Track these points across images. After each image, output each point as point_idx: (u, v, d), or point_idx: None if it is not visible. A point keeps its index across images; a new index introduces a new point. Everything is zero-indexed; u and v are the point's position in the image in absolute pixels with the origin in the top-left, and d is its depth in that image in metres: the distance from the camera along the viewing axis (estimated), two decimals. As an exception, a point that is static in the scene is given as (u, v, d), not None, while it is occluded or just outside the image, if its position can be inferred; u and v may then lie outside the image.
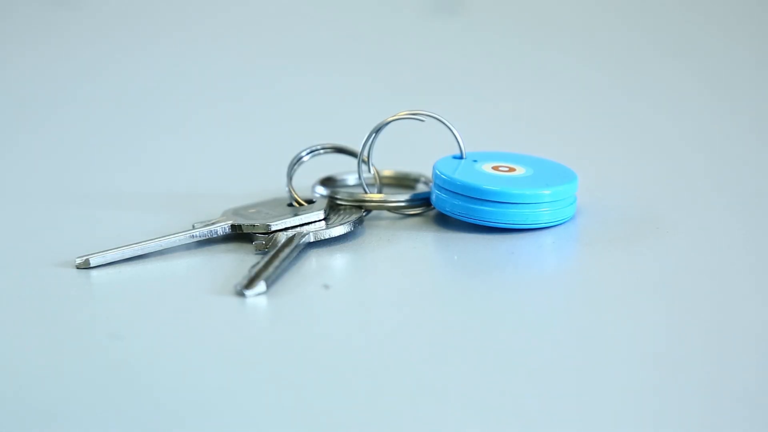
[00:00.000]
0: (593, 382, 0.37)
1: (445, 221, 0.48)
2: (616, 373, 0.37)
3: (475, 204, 0.46)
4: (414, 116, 0.48)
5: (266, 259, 0.44)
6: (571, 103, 0.69)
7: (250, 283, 0.42)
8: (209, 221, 0.47)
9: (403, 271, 0.45)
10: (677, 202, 0.51)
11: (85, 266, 0.44)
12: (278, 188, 0.50)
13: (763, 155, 0.59)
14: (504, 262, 0.45)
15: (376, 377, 0.37)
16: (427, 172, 0.50)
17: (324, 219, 0.47)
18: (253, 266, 0.43)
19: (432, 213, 0.49)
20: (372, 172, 0.49)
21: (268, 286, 0.42)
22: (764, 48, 0.81)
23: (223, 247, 0.46)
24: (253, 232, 0.46)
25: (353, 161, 0.49)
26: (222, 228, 0.46)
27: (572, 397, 0.36)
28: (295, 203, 0.48)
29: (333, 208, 0.48)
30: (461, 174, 0.47)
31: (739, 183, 0.54)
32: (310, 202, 0.48)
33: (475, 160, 0.49)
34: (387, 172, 0.52)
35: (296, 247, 0.45)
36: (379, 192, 0.49)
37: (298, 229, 0.46)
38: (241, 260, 0.45)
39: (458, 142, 0.49)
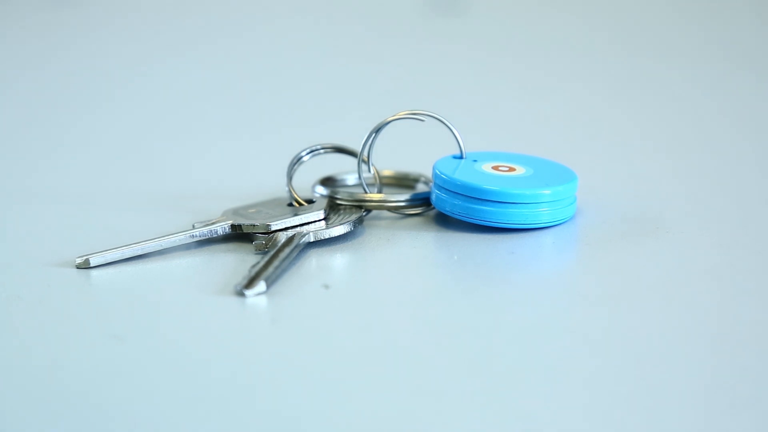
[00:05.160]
0: (593, 382, 0.37)
1: (445, 221, 0.48)
2: (616, 372, 0.37)
3: (475, 204, 0.46)
4: (414, 116, 0.48)
5: (266, 259, 0.44)
6: (571, 103, 0.69)
7: (250, 283, 0.42)
8: (209, 221, 0.47)
9: (403, 271, 0.45)
10: (677, 202, 0.51)
11: (85, 266, 0.44)
12: (278, 188, 0.50)
13: (762, 155, 0.59)
14: (504, 262, 0.45)
15: (376, 377, 0.37)
16: (427, 172, 0.50)
17: (324, 219, 0.47)
18: (253, 266, 0.43)
19: (432, 213, 0.49)
20: (372, 172, 0.49)
21: (268, 286, 0.42)
22: (764, 47, 0.81)
23: (223, 247, 0.46)
24: (253, 232, 0.46)
25: (353, 161, 0.49)
26: (222, 228, 0.46)
27: (572, 396, 0.36)
28: (295, 203, 0.48)
29: (333, 208, 0.48)
30: (461, 174, 0.47)
31: (739, 183, 0.54)
32: (310, 202, 0.48)
33: (475, 160, 0.49)
34: (387, 172, 0.52)
35: (296, 247, 0.45)
36: (379, 192, 0.49)
37: (298, 229, 0.46)
38: (241, 260, 0.45)
39: (458, 142, 0.49)
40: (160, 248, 0.45)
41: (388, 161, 0.51)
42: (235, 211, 0.48)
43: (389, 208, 0.49)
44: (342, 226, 0.47)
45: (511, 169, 0.48)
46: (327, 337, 0.40)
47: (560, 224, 0.48)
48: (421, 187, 0.51)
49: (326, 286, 0.43)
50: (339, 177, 0.51)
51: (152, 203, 0.51)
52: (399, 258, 0.46)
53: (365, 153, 0.49)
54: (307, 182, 0.50)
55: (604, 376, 0.37)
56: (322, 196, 0.49)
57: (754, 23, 0.86)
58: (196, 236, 0.46)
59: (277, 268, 0.43)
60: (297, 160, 0.49)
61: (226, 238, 0.47)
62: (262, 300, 0.42)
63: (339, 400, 0.36)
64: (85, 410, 0.36)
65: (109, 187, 0.54)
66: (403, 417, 0.35)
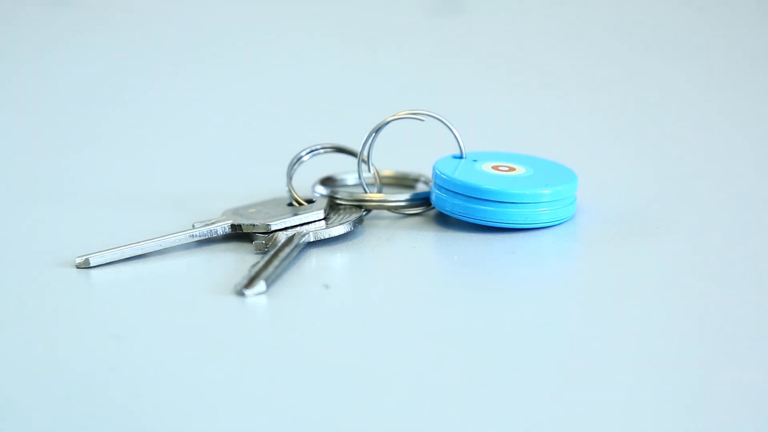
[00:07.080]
0: (593, 382, 0.37)
1: (445, 221, 0.48)
2: (616, 372, 0.37)
3: (475, 204, 0.46)
4: (414, 116, 0.48)
5: (266, 258, 0.44)
6: (571, 103, 0.69)
7: (250, 282, 0.42)
8: (209, 221, 0.47)
9: (403, 271, 0.45)
10: (677, 202, 0.51)
11: (85, 266, 0.44)
12: (278, 188, 0.50)
13: (762, 155, 0.59)
14: (504, 262, 0.45)
15: (376, 377, 0.37)
16: (427, 172, 0.50)
17: (324, 219, 0.47)
18: (253, 266, 0.43)
19: (432, 213, 0.49)
20: (372, 171, 0.49)
21: (268, 286, 0.42)
22: (763, 47, 0.81)
23: (223, 247, 0.46)
24: (253, 231, 0.46)
25: (353, 161, 0.49)
26: (222, 228, 0.46)
27: (572, 396, 0.36)
28: (295, 203, 0.48)
29: (333, 207, 0.48)
30: (461, 174, 0.47)
31: (738, 182, 0.54)
32: (310, 201, 0.48)
33: (475, 160, 0.49)
34: (387, 172, 0.52)
35: (296, 246, 0.45)
36: (379, 192, 0.49)
37: (298, 228, 0.46)
38: (241, 260, 0.45)
39: (458, 142, 0.49)
40: (160, 248, 0.45)
41: (388, 161, 0.51)
42: (235, 211, 0.48)
43: (389, 208, 0.49)
44: (342, 226, 0.47)
45: (511, 169, 0.48)
46: (327, 337, 0.40)
47: (560, 224, 0.48)
48: (421, 187, 0.51)
49: (326, 286, 0.43)
50: (339, 177, 0.51)
51: (152, 203, 0.51)
52: (399, 258, 0.46)
53: (365, 153, 0.49)
54: (307, 182, 0.50)
55: (604, 375, 0.37)
56: (322, 196, 0.49)
57: (754, 22, 0.86)
58: (196, 236, 0.46)
59: (277, 267, 0.43)
60: (297, 160, 0.49)
61: (226, 238, 0.47)
62: (262, 300, 0.42)
63: (339, 400, 0.36)
64: (85, 410, 0.36)
65: (109, 187, 0.54)
66: (403, 417, 0.35)
